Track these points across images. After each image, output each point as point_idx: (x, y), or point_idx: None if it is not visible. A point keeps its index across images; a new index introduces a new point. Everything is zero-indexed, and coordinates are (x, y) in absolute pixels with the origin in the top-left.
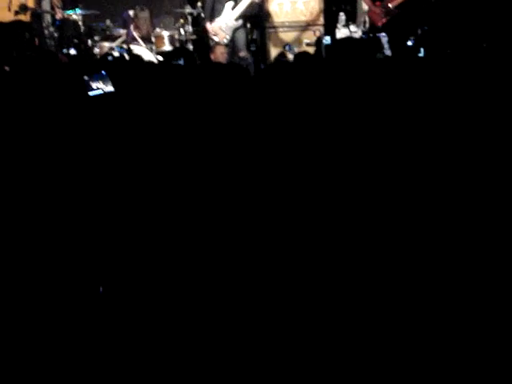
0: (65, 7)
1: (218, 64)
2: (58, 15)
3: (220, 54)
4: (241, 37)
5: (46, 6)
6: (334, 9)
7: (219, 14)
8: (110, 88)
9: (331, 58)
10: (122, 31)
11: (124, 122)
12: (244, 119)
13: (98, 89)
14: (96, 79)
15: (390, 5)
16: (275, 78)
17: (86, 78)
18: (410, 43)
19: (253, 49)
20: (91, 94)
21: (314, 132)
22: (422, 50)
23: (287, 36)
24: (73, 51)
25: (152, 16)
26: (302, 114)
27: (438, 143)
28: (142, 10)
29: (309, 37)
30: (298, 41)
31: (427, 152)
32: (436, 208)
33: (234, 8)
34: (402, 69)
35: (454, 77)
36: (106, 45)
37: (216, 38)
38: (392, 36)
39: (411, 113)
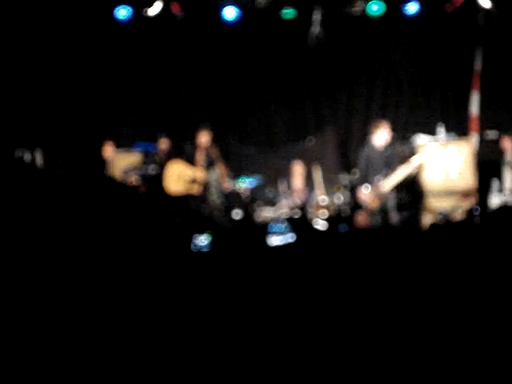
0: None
1: (366, 230)
2: (226, 186)
3: (362, 221)
4: (392, 202)
5: (214, 177)
6: (487, 176)
7: (373, 181)
8: (290, 238)
9: (485, 228)
10: (284, 199)
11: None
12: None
13: (277, 239)
14: (275, 229)
15: None
16: (429, 244)
17: (268, 228)
18: None
19: (405, 215)
20: (271, 243)
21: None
22: None
23: (441, 203)
24: (237, 216)
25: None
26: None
27: None
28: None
29: (463, 205)
30: (452, 208)
31: None
32: None
33: (388, 177)
34: None
35: None
36: (268, 211)
37: (368, 204)
38: None
39: None
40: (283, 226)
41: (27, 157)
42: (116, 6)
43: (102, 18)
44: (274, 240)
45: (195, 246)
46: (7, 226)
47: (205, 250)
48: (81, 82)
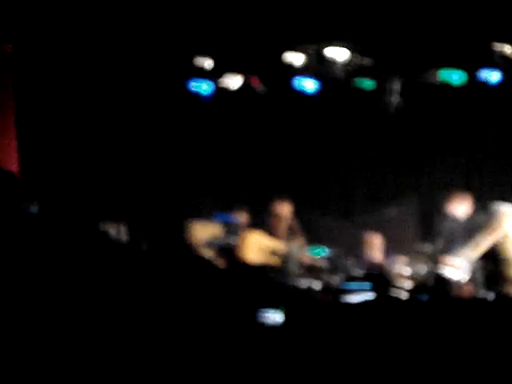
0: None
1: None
2: (306, 258)
3: (467, 292)
4: (479, 275)
5: (294, 249)
6: None
7: (457, 251)
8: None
9: None
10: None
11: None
12: None
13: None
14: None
15: None
16: None
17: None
18: None
19: (496, 289)
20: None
21: None
22: None
23: None
24: (317, 287)
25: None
26: None
27: None
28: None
29: None
30: None
31: None
32: None
33: (472, 246)
34: None
35: None
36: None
37: (452, 275)
38: None
39: None
40: (361, 284)
41: (112, 230)
42: (191, 79)
43: (182, 90)
44: (352, 298)
45: (267, 320)
46: (94, 297)
47: (277, 325)
48: (164, 156)
